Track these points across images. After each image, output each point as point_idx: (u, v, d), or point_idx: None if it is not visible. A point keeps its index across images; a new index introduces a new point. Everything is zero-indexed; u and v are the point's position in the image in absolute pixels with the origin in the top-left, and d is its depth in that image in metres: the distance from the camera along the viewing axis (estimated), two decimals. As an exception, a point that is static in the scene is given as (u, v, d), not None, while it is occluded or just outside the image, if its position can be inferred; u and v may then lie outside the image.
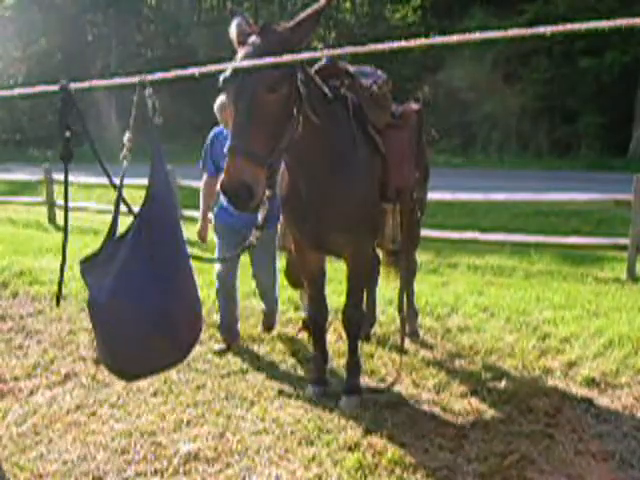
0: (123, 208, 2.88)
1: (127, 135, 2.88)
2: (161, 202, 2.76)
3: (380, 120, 4.20)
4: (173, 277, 2.74)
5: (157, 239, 2.70)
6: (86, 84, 2.77)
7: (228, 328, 5.37)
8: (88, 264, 2.80)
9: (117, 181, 2.87)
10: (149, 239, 2.69)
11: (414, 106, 4.75)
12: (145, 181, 2.77)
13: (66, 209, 2.90)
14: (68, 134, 2.71)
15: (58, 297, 2.96)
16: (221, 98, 4.98)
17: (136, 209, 2.76)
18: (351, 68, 4.20)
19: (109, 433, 4.01)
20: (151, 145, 2.77)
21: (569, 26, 1.85)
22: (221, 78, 3.19)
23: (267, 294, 5.56)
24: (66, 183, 2.87)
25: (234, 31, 3.40)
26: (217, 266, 5.35)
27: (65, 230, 2.89)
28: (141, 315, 2.66)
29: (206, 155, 5.27)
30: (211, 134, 5.28)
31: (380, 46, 2.15)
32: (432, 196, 5.43)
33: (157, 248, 2.70)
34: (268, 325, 5.69)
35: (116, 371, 2.93)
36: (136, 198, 3.01)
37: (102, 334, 2.79)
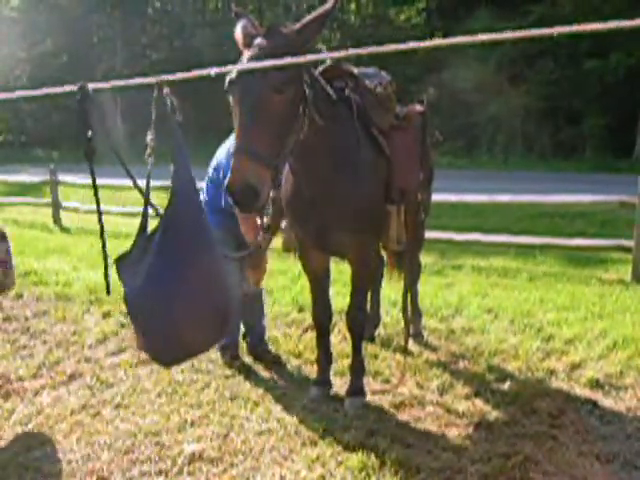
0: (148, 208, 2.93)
1: (149, 135, 2.89)
2: (186, 201, 2.81)
3: (384, 121, 4.21)
4: (200, 275, 2.80)
5: (183, 238, 2.77)
6: (105, 85, 2.79)
7: (230, 343, 5.08)
8: (123, 262, 2.91)
9: (127, 182, 2.91)
10: (175, 239, 2.76)
11: (418, 108, 4.76)
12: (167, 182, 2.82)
13: (98, 208, 2.95)
14: (90, 133, 2.74)
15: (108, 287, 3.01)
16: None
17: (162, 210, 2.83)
18: (355, 70, 4.21)
19: (114, 433, 4.02)
20: (174, 144, 2.81)
21: (574, 28, 1.86)
22: (227, 80, 3.20)
23: (254, 301, 5.15)
24: (94, 183, 2.91)
25: (239, 33, 3.40)
26: None
27: (101, 228, 2.94)
28: (170, 308, 2.75)
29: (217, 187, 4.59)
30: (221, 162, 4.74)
31: (385, 48, 2.15)
32: (436, 198, 5.43)
33: (184, 247, 2.76)
34: (255, 347, 5.23)
35: (154, 357, 3.09)
36: (159, 201, 3.05)
37: (138, 326, 2.94)
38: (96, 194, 2.94)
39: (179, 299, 2.74)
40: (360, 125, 4.01)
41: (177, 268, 2.74)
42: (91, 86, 2.71)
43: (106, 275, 2.95)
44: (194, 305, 2.79)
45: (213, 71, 2.56)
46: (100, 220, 2.95)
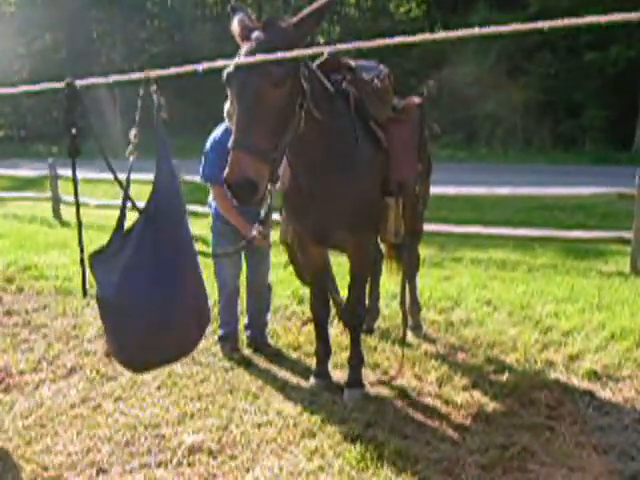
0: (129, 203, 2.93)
1: (133, 131, 2.90)
2: (166, 198, 2.80)
3: (382, 114, 4.21)
4: (177, 274, 2.78)
5: (162, 235, 2.74)
6: (91, 80, 2.80)
7: (229, 334, 5.17)
8: (97, 257, 2.86)
9: (122, 176, 2.91)
10: (153, 235, 2.73)
11: (416, 100, 4.76)
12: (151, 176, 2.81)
13: (77, 203, 2.97)
14: (74, 131, 2.74)
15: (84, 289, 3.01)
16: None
17: (142, 205, 2.81)
18: (352, 62, 4.21)
19: (113, 426, 4.04)
20: (157, 141, 2.81)
21: (574, 20, 1.87)
22: (225, 73, 3.21)
23: (261, 294, 5.26)
24: (74, 179, 2.92)
25: (236, 26, 3.41)
26: (220, 266, 5.09)
27: (79, 225, 2.96)
28: (146, 312, 2.71)
29: (214, 161, 4.71)
30: (216, 137, 4.88)
31: (384, 41, 2.17)
32: (436, 190, 5.44)
33: (161, 244, 2.74)
34: (255, 339, 5.28)
35: (124, 363, 3.00)
36: (143, 194, 3.04)
37: (110, 328, 2.87)
38: (75, 190, 2.95)
39: (154, 301, 2.70)
40: (358, 118, 4.02)
41: (155, 265, 2.70)
42: (79, 82, 2.72)
43: (83, 276, 2.95)
44: (169, 308, 2.74)
45: (201, 67, 2.57)
46: (78, 216, 2.96)
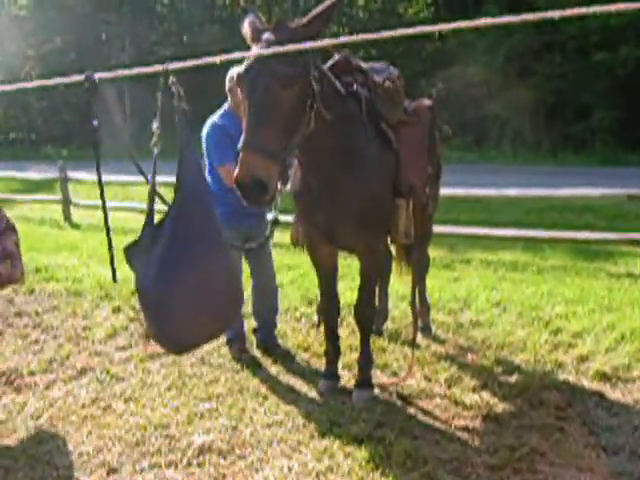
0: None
1: (155, 123, 2.93)
2: (193, 189, 2.88)
3: (393, 116, 4.22)
4: (209, 260, 2.90)
5: (192, 226, 2.84)
6: (111, 74, 2.83)
7: (236, 336, 5.13)
8: (132, 250, 2.98)
9: (125, 178, 2.97)
10: (184, 227, 2.83)
11: (426, 102, 4.77)
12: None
13: (102, 191, 3.04)
14: (96, 123, 2.79)
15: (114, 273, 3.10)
16: (233, 72, 4.50)
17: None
18: (364, 64, 4.23)
19: (124, 426, 4.06)
20: (180, 132, 2.85)
21: (584, 10, 1.90)
22: (235, 74, 3.24)
23: (269, 298, 5.22)
24: (98, 169, 2.97)
25: (247, 28, 3.43)
26: None
27: (105, 214, 3.06)
28: (182, 298, 2.83)
29: (217, 144, 4.68)
30: (214, 122, 4.81)
31: (388, 33, 2.19)
32: (445, 192, 5.44)
33: (192, 235, 2.84)
34: (265, 341, 5.26)
35: (165, 346, 3.19)
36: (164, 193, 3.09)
37: (150, 316, 2.99)
38: (100, 182, 3.00)
39: (189, 288, 2.81)
40: (369, 120, 4.03)
41: (187, 257, 2.80)
42: (97, 75, 2.75)
43: (112, 262, 3.02)
44: (204, 294, 2.86)
45: (219, 59, 2.60)
46: (104, 209, 3.02)
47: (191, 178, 2.87)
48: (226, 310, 3.06)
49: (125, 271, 3.13)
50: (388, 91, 4.23)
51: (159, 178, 3.05)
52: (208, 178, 4.74)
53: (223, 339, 5.25)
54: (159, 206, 3.03)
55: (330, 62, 4.00)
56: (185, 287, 2.82)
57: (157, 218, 2.96)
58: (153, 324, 3.00)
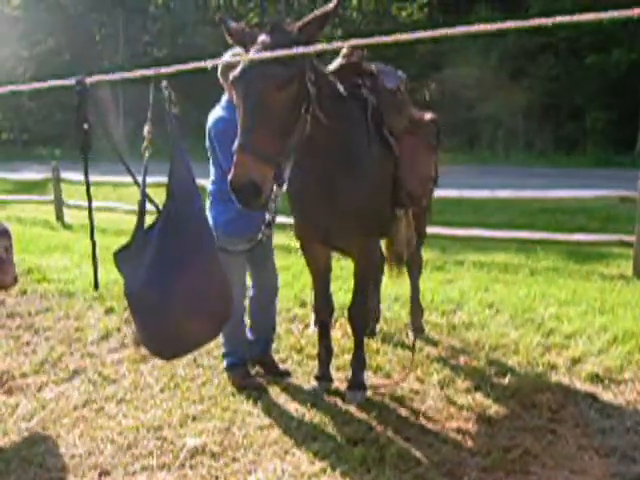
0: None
1: (146, 127, 2.92)
2: (184, 193, 2.87)
3: (398, 125, 4.20)
4: (200, 265, 2.89)
5: (182, 231, 2.83)
6: (102, 77, 2.82)
7: (239, 360, 4.70)
8: (122, 255, 2.98)
9: (127, 178, 2.97)
10: (174, 232, 2.81)
11: (430, 115, 4.80)
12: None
13: (89, 196, 3.03)
14: (86, 126, 2.78)
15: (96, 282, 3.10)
16: (227, 56, 4.07)
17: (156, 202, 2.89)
18: (374, 68, 4.21)
19: (116, 428, 4.05)
20: (171, 137, 2.85)
21: (576, 17, 1.90)
22: (231, 76, 3.24)
23: (268, 312, 4.85)
24: (86, 175, 2.96)
25: (233, 30, 3.44)
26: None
27: (90, 222, 3.07)
28: (171, 305, 2.82)
29: (225, 150, 4.04)
30: (219, 127, 4.34)
31: (384, 39, 2.18)
32: (438, 193, 5.43)
33: (182, 240, 2.84)
34: (262, 357, 4.87)
35: (154, 352, 3.18)
36: (156, 195, 3.08)
37: (139, 321, 2.99)
38: (87, 188, 2.99)
39: (180, 293, 2.80)
40: (372, 125, 4.01)
41: (178, 262, 2.79)
42: (89, 80, 2.74)
43: (95, 273, 3.01)
44: (195, 299, 2.84)
45: (209, 64, 2.60)
46: (90, 214, 3.01)
47: (181, 183, 2.87)
48: (217, 315, 3.04)
49: (117, 272, 3.12)
50: (396, 101, 4.23)
51: (152, 178, 3.04)
52: (216, 176, 4.47)
53: (216, 342, 5.23)
54: (150, 208, 3.02)
55: (337, 64, 4.00)
56: (175, 292, 2.81)
57: (148, 221, 2.96)
58: (143, 329, 2.99)
